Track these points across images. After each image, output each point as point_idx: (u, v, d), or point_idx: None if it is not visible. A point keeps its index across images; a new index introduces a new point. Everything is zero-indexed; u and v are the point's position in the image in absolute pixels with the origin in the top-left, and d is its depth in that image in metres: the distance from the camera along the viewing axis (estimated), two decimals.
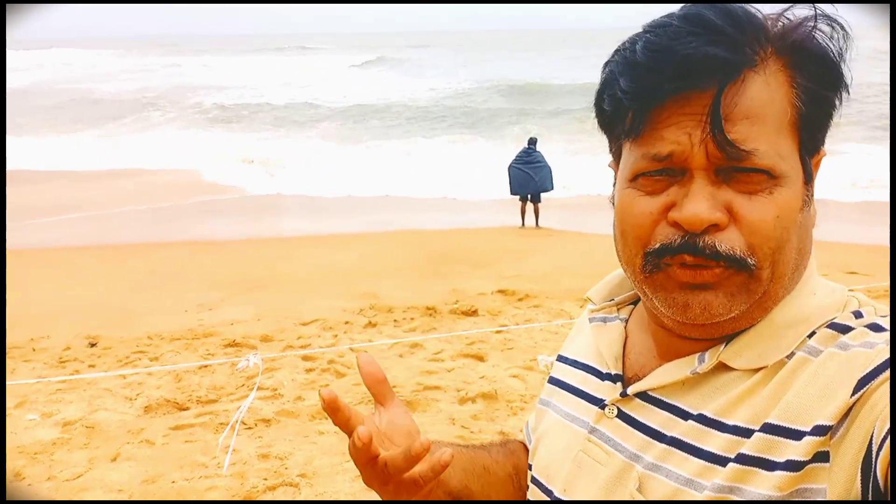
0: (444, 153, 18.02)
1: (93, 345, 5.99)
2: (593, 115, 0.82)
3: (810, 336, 0.75)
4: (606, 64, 0.78)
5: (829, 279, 0.83)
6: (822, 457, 0.67)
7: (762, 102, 0.71)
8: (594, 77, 0.82)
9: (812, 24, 0.73)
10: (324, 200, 13.46)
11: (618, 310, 0.94)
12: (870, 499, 0.62)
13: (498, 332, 5.94)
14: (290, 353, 5.61)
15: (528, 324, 6.04)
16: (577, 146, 16.14)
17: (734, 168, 0.71)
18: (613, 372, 0.87)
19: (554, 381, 0.98)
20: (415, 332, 6.03)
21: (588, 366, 0.93)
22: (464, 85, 30.95)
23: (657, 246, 0.75)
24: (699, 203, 0.71)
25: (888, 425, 0.61)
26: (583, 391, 0.91)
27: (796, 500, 0.67)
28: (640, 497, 0.76)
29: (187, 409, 4.70)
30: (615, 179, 0.83)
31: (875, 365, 0.67)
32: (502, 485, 1.00)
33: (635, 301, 0.94)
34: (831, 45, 0.73)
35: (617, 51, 0.77)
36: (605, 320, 0.93)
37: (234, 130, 22.47)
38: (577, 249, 9.23)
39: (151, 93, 30.88)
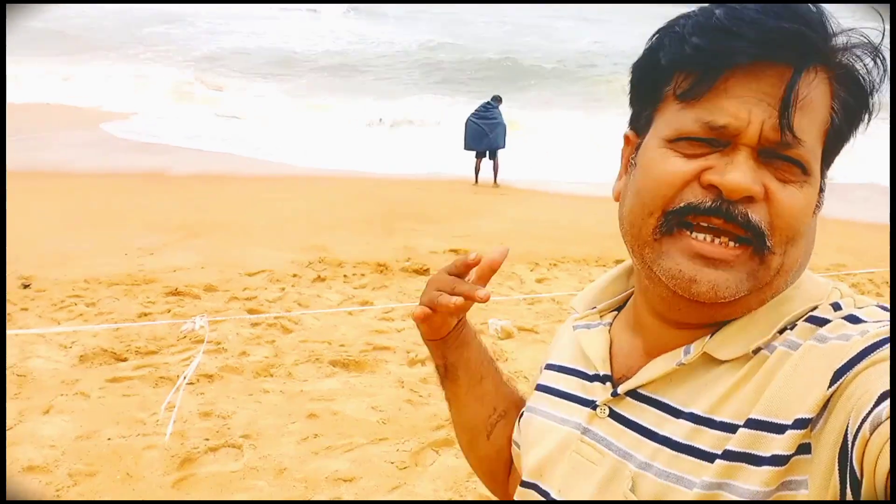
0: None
1: (26, 286, 5.71)
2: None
3: (792, 328, 0.76)
4: (664, 29, 0.78)
5: None
6: (804, 448, 0.68)
7: (818, 99, 0.73)
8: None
9: (862, 51, 0.75)
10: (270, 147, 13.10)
11: (601, 317, 0.96)
12: (847, 488, 0.63)
13: None
14: (235, 304, 5.46)
15: None
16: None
17: (777, 154, 0.73)
18: (602, 373, 0.88)
19: (542, 388, 0.99)
20: (365, 289, 5.92)
21: (574, 369, 0.94)
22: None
23: (682, 205, 0.75)
24: (745, 173, 0.72)
25: (863, 414, 0.62)
26: (572, 394, 0.92)
27: (782, 493, 0.69)
28: (633, 497, 0.77)
29: (125, 360, 4.53)
30: (634, 149, 0.82)
31: (850, 356, 0.68)
32: (479, 403, 1.06)
33: (618, 308, 0.96)
34: (872, 74, 0.76)
35: (684, 17, 0.76)
36: (588, 327, 0.95)
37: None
38: (534, 209, 9.20)
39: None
